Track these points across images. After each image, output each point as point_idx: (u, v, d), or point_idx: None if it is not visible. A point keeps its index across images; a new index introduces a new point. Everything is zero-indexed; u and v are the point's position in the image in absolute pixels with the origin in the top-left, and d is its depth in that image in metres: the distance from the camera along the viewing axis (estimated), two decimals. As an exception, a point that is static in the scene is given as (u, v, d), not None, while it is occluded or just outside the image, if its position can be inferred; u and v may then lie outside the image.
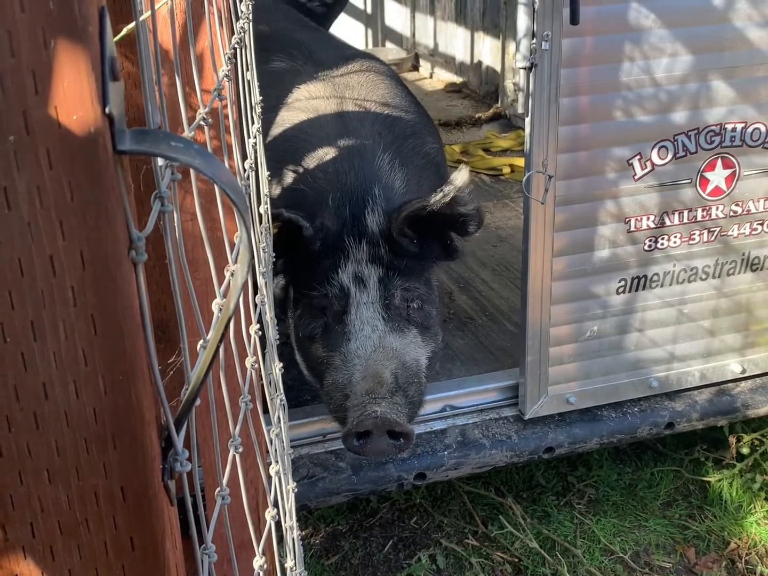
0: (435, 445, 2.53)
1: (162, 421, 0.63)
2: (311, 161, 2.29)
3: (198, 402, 0.70)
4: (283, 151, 2.37)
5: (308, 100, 2.47)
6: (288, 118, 2.46)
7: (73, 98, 0.50)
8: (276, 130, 2.45)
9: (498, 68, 5.54)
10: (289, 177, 2.32)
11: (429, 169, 2.52)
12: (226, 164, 1.05)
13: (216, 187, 0.92)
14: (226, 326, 0.61)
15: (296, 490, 1.33)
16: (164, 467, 0.62)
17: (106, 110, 0.51)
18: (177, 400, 0.69)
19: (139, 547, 0.62)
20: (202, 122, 0.81)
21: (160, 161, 0.65)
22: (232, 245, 0.96)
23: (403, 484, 2.53)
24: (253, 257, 0.77)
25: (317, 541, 2.66)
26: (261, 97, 1.37)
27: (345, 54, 2.80)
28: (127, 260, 0.55)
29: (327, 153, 2.29)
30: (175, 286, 0.67)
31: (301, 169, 2.28)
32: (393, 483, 2.52)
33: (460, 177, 2.04)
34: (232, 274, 0.86)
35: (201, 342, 0.74)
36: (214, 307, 0.81)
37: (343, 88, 2.53)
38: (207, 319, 0.80)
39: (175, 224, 0.69)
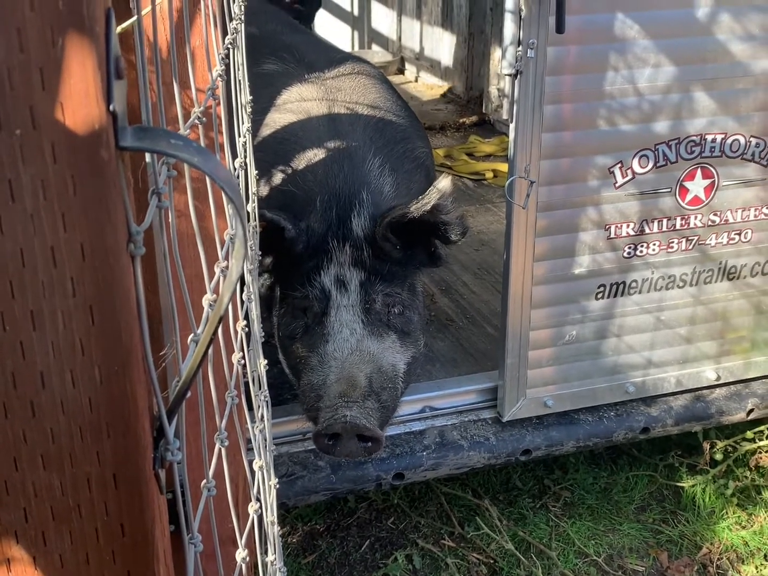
0: (414, 446, 2.55)
1: (154, 411, 0.65)
2: (301, 163, 2.31)
3: (188, 395, 0.72)
4: (273, 152, 2.39)
5: (299, 103, 2.48)
6: (279, 119, 2.48)
7: (79, 95, 0.52)
8: (266, 131, 2.47)
9: (483, 73, 5.58)
10: (278, 178, 2.34)
11: (418, 173, 2.54)
12: (217, 162, 1.06)
13: (208, 184, 0.93)
14: (220, 320, 0.63)
15: (277, 486, 1.35)
16: (155, 456, 0.64)
17: (111, 108, 0.53)
18: (166, 392, 0.71)
19: (129, 534, 0.64)
20: (196, 121, 0.83)
21: (156, 158, 0.67)
22: (222, 242, 0.97)
23: (381, 484, 2.54)
24: (246, 253, 0.79)
25: (294, 540, 2.67)
26: (251, 97, 1.39)
27: (335, 57, 2.82)
28: (125, 253, 0.57)
29: (317, 155, 2.31)
30: (168, 280, 0.69)
31: (290, 171, 2.30)
32: (371, 482, 2.53)
33: (442, 185, 2.07)
34: (222, 271, 0.88)
35: (192, 336, 0.76)
36: (204, 302, 0.82)
37: (334, 91, 2.55)
38: (195, 315, 0.82)
39: (170, 220, 0.71)
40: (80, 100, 0.52)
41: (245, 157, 1.21)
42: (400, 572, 2.53)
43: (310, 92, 2.53)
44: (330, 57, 2.82)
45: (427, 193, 2.07)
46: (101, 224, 0.55)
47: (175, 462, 0.64)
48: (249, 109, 1.34)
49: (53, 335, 0.57)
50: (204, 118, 0.85)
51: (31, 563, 0.63)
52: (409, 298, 2.26)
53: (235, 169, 1.12)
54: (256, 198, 1.43)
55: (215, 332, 0.64)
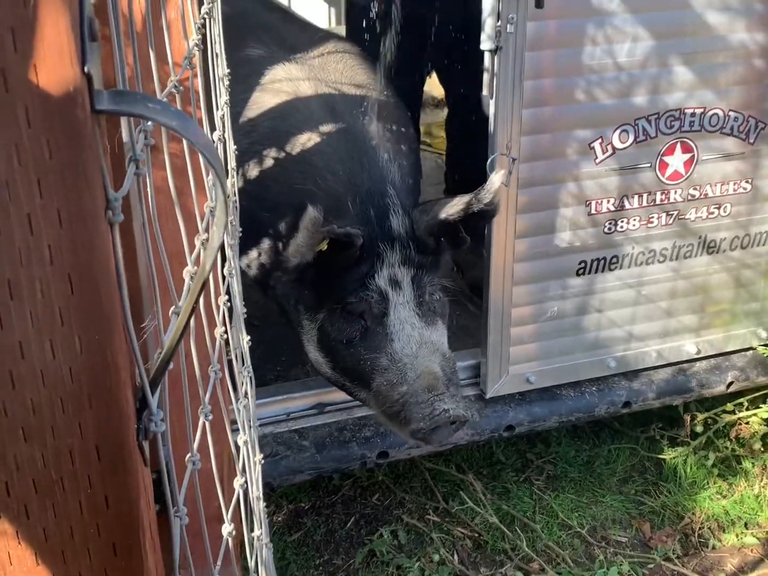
0: (398, 424, 2.55)
1: (136, 382, 0.64)
2: (313, 158, 2.27)
3: (171, 366, 0.71)
4: (266, 138, 2.35)
5: (288, 84, 2.42)
6: (266, 100, 2.42)
7: (53, 57, 0.51)
8: (253, 113, 2.41)
9: (462, 52, 5.54)
10: (282, 171, 2.30)
11: (411, 155, 2.55)
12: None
13: (187, 158, 0.92)
14: (202, 288, 0.62)
15: (262, 462, 1.34)
16: (138, 427, 0.63)
17: (85, 69, 0.52)
18: (148, 364, 0.70)
19: (113, 506, 0.63)
20: (173, 89, 0.82)
21: (133, 126, 0.65)
22: (202, 216, 0.96)
23: (366, 462, 2.55)
24: (227, 226, 0.78)
25: (280, 519, 2.68)
26: (228, 70, 1.37)
27: (316, 37, 2.76)
28: (104, 220, 0.56)
29: (325, 149, 2.27)
30: (148, 250, 0.68)
31: (300, 167, 2.26)
32: (356, 461, 2.54)
33: (497, 179, 2.10)
34: (202, 243, 0.87)
35: (173, 308, 0.75)
36: (185, 274, 0.81)
37: (322, 73, 2.50)
38: (176, 289, 0.81)
39: (148, 189, 0.70)
40: (54, 62, 0.51)
41: (223, 130, 1.20)
42: (386, 548, 2.54)
43: (297, 74, 2.48)
44: (311, 37, 2.77)
45: (482, 188, 2.10)
46: (78, 190, 0.54)
47: (159, 432, 0.64)
48: (227, 82, 1.32)
49: (31, 304, 0.56)
50: (181, 87, 0.83)
51: (14, 537, 0.62)
52: (440, 282, 2.29)
53: (213, 142, 1.11)
54: (236, 173, 1.41)
55: (197, 301, 0.63)
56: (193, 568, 0.86)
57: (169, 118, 0.55)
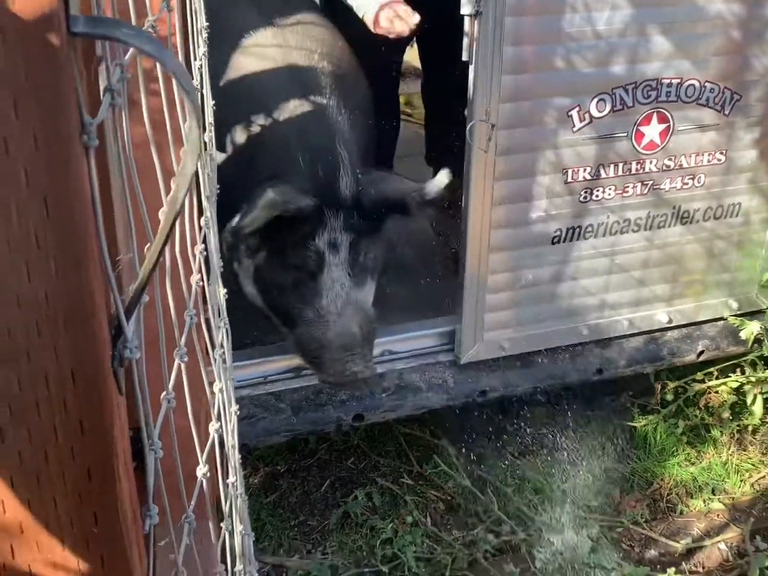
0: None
1: (112, 310, 0.65)
2: (277, 115, 2.33)
3: (146, 298, 0.72)
4: (241, 100, 2.40)
5: (260, 51, 2.48)
6: (244, 64, 2.47)
7: (28, -23, 0.51)
8: (233, 74, 2.46)
9: (444, 22, 5.52)
10: (250, 130, 2.36)
11: (369, 122, 2.61)
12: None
13: (166, 112, 0.92)
14: (175, 218, 0.63)
15: (237, 414, 1.36)
16: (113, 354, 0.64)
17: (61, -9, 0.52)
18: (124, 295, 0.71)
19: (88, 431, 0.64)
20: (150, 29, 0.82)
21: (110, 58, 0.66)
22: (178, 162, 0.97)
23: (341, 425, 2.58)
24: (201, 153, 0.79)
25: (256, 481, 2.70)
26: (207, 23, 1.37)
27: (289, 3, 2.79)
28: (79, 144, 0.56)
29: (287, 109, 2.34)
30: (123, 184, 0.69)
31: (260, 125, 2.33)
32: (331, 424, 2.57)
33: (444, 179, 2.30)
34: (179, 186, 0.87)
35: (148, 245, 0.76)
36: (161, 215, 0.82)
37: (292, 39, 2.54)
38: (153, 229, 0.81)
39: (124, 125, 0.70)
40: (29, -18, 0.51)
41: (201, 81, 1.20)
42: (360, 509, 2.58)
43: (270, 40, 2.52)
44: (283, 2, 2.79)
45: (432, 183, 2.28)
46: (54, 113, 0.54)
47: (134, 360, 0.65)
48: (205, 35, 1.32)
49: (7, 227, 0.57)
50: (158, 28, 0.84)
51: (-11, 459, 0.63)
52: (379, 243, 2.37)
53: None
54: (213, 128, 1.42)
55: (171, 231, 0.64)
56: (168, 506, 0.87)
57: (143, 42, 0.56)
